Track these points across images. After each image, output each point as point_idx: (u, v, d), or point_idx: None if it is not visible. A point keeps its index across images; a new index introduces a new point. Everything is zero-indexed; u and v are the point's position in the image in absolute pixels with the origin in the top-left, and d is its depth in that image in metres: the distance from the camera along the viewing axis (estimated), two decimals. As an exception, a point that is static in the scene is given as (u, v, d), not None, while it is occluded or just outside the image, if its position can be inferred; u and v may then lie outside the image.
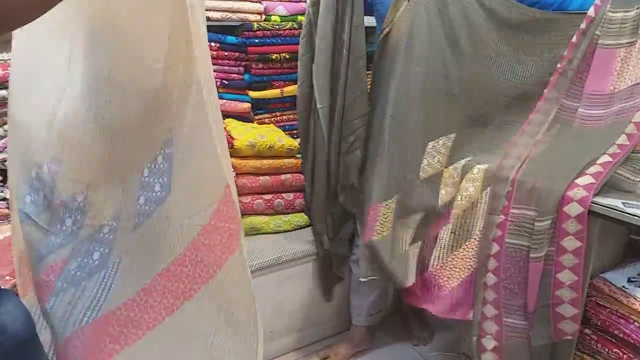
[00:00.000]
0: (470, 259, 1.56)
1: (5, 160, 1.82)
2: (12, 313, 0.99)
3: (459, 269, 1.59)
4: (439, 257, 1.63)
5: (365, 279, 1.63)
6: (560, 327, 1.41)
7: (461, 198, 1.60)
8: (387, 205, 1.58)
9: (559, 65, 1.59)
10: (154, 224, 1.11)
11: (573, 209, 1.31)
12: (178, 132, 1.08)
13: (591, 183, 1.31)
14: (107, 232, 1.18)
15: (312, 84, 1.64)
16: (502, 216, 1.47)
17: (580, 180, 1.33)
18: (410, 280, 1.63)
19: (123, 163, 1.14)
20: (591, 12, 1.53)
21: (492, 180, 1.54)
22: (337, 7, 1.57)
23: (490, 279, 1.51)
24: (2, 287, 1.03)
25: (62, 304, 1.18)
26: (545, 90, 1.60)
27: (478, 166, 1.60)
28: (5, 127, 1.81)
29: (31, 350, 1.02)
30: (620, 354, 1.39)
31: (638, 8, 1.46)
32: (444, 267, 1.62)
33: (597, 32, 1.50)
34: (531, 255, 1.40)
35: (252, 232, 1.97)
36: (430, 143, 1.63)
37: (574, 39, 1.56)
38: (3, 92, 1.74)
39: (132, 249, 1.15)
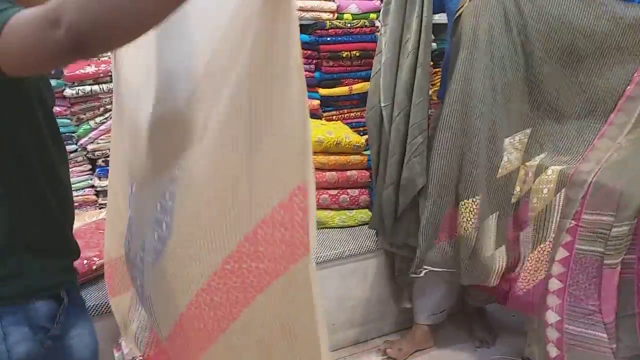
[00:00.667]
0: (546, 262, 1.53)
1: (96, 151, 1.99)
2: (83, 339, 0.95)
3: (535, 270, 1.56)
4: (522, 259, 1.63)
5: (439, 270, 1.69)
6: None
7: (537, 200, 1.57)
8: (464, 205, 1.61)
9: None
10: (165, 262, 1.03)
11: None
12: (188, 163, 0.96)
13: None
14: (139, 261, 1.13)
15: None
16: (574, 221, 1.42)
17: None
18: (495, 280, 1.65)
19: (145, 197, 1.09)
20: None
21: (566, 183, 1.48)
22: (405, 6, 1.59)
23: (555, 284, 1.47)
24: (84, 307, 0.99)
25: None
26: (629, 88, 1.52)
27: (552, 167, 1.55)
28: (97, 119, 1.97)
29: None
30: None
31: None
32: (522, 269, 1.61)
33: None
34: (606, 262, 1.35)
35: (318, 226, 2.02)
36: (506, 139, 1.61)
37: None
38: (95, 88, 1.90)
39: (156, 285, 1.09)
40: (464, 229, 1.61)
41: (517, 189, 1.62)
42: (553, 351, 1.50)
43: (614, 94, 1.55)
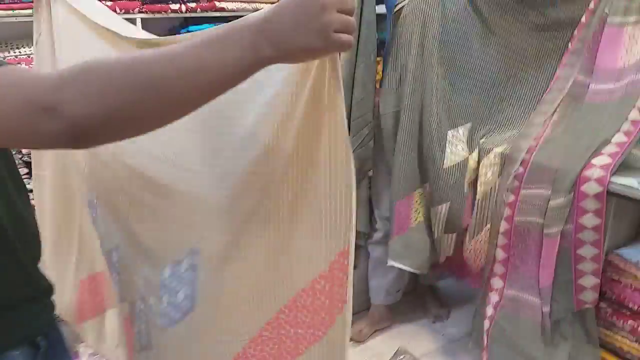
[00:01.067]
0: (493, 238, 1.62)
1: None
2: None
3: (481, 250, 1.67)
4: (469, 239, 1.72)
5: (396, 264, 1.78)
6: (581, 298, 1.46)
7: (480, 184, 1.66)
8: (419, 193, 1.74)
9: (570, 45, 1.62)
10: (186, 331, 1.01)
11: (591, 188, 1.35)
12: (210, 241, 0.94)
13: (608, 163, 1.35)
14: (139, 311, 1.11)
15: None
16: (513, 196, 1.52)
17: (597, 160, 1.37)
18: (443, 257, 1.79)
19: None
20: None
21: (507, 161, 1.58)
22: None
23: (500, 254, 1.58)
24: (64, 345, 0.89)
25: None
26: (558, 70, 1.63)
27: (495, 150, 1.64)
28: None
29: None
30: (635, 325, 1.44)
31: None
32: (469, 251, 1.72)
33: (606, 10, 1.53)
34: (545, 232, 1.45)
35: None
36: (449, 132, 1.69)
37: (583, 19, 1.59)
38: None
39: (171, 348, 1.06)
40: (413, 219, 1.74)
41: (467, 177, 1.70)
42: (489, 311, 1.62)
43: (549, 77, 1.66)
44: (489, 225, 1.64)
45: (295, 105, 0.78)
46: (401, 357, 1.92)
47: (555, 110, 1.60)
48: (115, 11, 1.79)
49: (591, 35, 1.56)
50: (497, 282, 1.61)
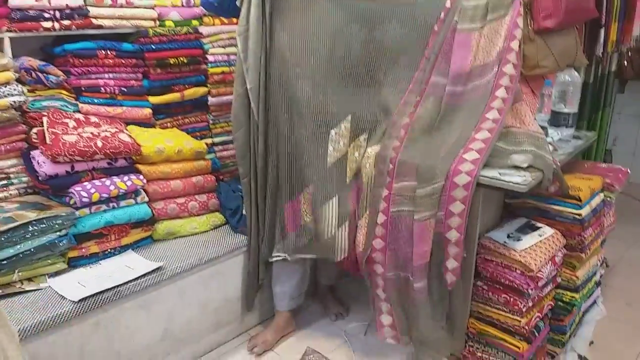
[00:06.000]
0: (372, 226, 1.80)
1: None
2: None
3: (368, 235, 1.80)
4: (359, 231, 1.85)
5: (292, 258, 1.91)
6: (446, 279, 1.66)
7: (364, 175, 1.82)
8: (306, 192, 1.85)
9: (425, 52, 1.83)
10: None
11: (462, 179, 1.55)
12: None
13: (476, 158, 1.56)
14: None
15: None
16: (386, 190, 1.70)
17: (467, 155, 1.57)
18: (340, 256, 1.87)
19: None
20: (448, 3, 1.80)
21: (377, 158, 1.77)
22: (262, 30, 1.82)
23: (378, 243, 1.75)
24: None
25: None
26: (415, 74, 1.85)
27: (370, 148, 1.82)
28: None
29: None
30: (508, 297, 1.68)
31: None
32: (361, 245, 1.83)
33: (456, 18, 1.77)
34: (415, 217, 1.64)
35: (169, 236, 1.99)
36: (332, 131, 1.82)
37: (435, 28, 1.82)
38: None
39: None
40: (305, 217, 1.86)
41: (348, 169, 1.83)
42: (381, 295, 1.82)
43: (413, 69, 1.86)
44: (368, 211, 1.80)
45: None
46: (310, 356, 1.99)
47: (412, 110, 1.79)
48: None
49: (442, 41, 1.78)
50: (378, 268, 1.78)
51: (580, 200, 1.79)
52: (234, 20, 2.09)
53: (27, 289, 1.60)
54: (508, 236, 1.73)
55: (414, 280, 1.68)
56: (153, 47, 2.08)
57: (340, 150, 1.83)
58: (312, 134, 1.82)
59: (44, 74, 1.81)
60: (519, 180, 1.52)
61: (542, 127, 1.92)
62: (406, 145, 1.70)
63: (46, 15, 1.82)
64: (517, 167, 1.57)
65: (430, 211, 1.60)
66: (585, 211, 1.80)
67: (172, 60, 2.13)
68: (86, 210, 1.73)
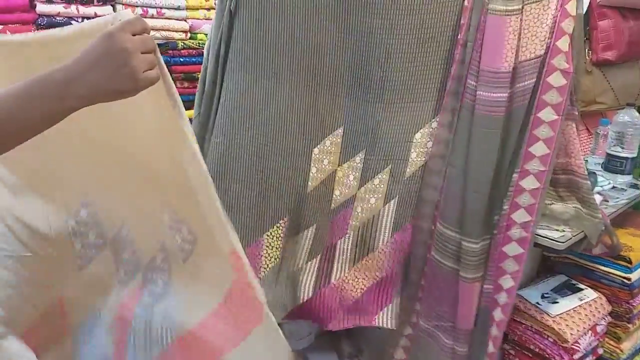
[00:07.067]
0: (376, 270, 1.47)
1: None
2: None
3: (362, 279, 1.48)
4: (340, 269, 1.47)
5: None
6: (489, 346, 1.37)
7: (362, 210, 1.43)
8: (270, 234, 1.39)
9: (459, 36, 1.27)
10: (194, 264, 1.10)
11: (515, 234, 1.27)
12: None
13: (528, 221, 1.26)
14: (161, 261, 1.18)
15: None
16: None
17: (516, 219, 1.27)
18: (304, 296, 1.44)
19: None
20: None
21: (399, 190, 1.39)
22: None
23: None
24: None
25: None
26: (453, 69, 1.29)
27: (379, 176, 1.40)
28: None
29: None
30: (537, 368, 1.46)
31: None
32: (346, 281, 1.48)
33: None
34: (461, 275, 1.34)
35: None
36: (315, 149, 1.38)
37: (466, 2, 1.25)
38: None
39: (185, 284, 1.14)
40: (268, 264, 1.40)
41: (337, 192, 1.42)
42: (404, 342, 1.54)
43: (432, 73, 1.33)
44: (370, 255, 1.45)
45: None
46: None
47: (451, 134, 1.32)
48: (3, 34, 1.64)
49: (476, 24, 1.24)
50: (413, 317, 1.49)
51: (631, 263, 1.54)
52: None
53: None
54: (542, 296, 1.52)
55: (456, 343, 1.40)
56: (181, 60, 2.04)
57: (324, 170, 1.41)
58: (287, 156, 1.35)
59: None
60: (556, 235, 1.32)
61: (594, 172, 1.70)
62: (449, 185, 1.32)
63: (74, 22, 1.80)
64: (555, 218, 1.37)
65: (477, 272, 1.32)
66: (635, 275, 1.55)
67: (199, 75, 2.07)
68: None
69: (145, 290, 1.17)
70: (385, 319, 1.49)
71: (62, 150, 1.06)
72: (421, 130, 1.37)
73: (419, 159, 1.38)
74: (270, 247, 1.41)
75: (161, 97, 0.85)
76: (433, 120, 1.35)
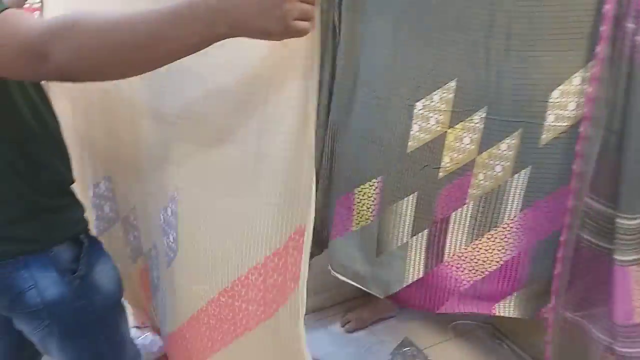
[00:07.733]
0: (499, 251, 1.28)
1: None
2: (107, 274, 1.02)
3: (483, 261, 1.31)
4: (457, 243, 1.31)
5: (338, 276, 1.42)
6: None
7: (484, 177, 1.22)
8: (361, 190, 1.29)
9: None
10: (176, 270, 1.11)
11: None
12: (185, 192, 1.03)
13: None
14: (154, 255, 1.22)
15: None
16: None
17: None
18: (409, 279, 1.34)
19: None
20: None
21: (533, 156, 1.16)
22: None
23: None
24: (101, 247, 1.05)
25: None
26: (607, 7, 0.98)
27: (507, 140, 1.16)
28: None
29: (118, 312, 1.07)
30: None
31: None
32: (462, 258, 1.32)
33: None
34: (617, 258, 1.12)
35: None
36: (418, 103, 1.19)
37: None
38: None
39: (169, 284, 1.16)
40: (359, 221, 1.33)
41: (446, 159, 1.22)
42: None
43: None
44: (493, 231, 1.27)
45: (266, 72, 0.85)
46: (406, 349, 1.83)
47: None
48: None
49: None
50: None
51: None
52: None
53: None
54: None
55: (615, 343, 1.18)
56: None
57: (430, 131, 1.22)
58: (386, 105, 1.21)
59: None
60: None
61: None
62: None
63: None
64: None
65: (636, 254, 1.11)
66: None
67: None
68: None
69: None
70: (508, 308, 1.33)
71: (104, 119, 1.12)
72: (560, 88, 1.08)
73: (559, 124, 1.11)
74: (361, 204, 1.31)
75: (302, 56, 0.81)
76: (576, 74, 1.06)
